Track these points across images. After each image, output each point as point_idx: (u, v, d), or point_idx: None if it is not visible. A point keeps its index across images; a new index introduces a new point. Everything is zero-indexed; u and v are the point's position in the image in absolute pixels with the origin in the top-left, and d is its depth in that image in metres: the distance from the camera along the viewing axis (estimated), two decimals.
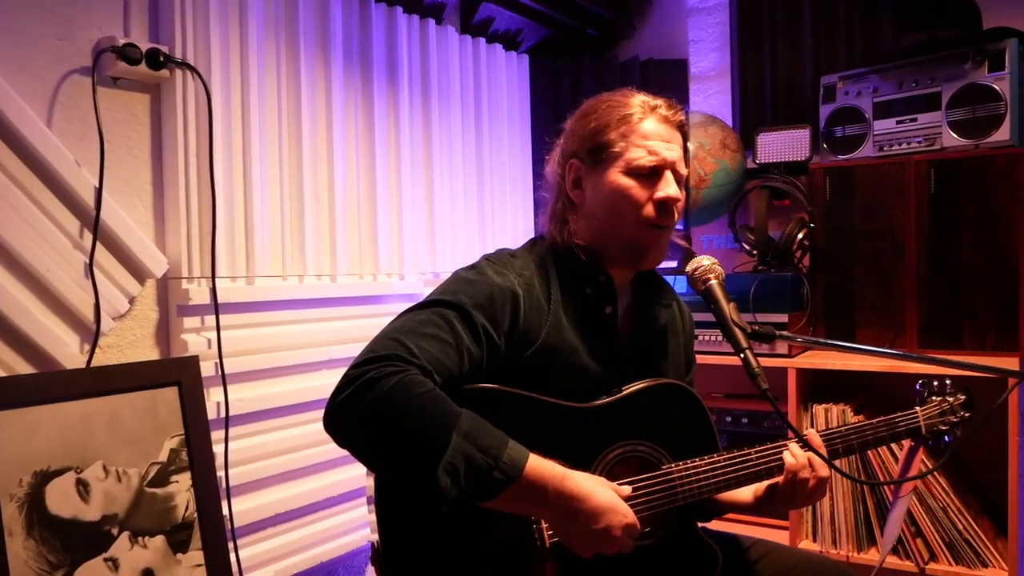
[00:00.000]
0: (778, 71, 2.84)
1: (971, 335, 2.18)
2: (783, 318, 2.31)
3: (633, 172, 1.36)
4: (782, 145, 2.61)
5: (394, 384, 1.12)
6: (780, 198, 2.62)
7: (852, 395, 2.35)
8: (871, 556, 2.18)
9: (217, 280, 1.91)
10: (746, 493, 1.49)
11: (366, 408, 1.12)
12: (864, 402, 2.33)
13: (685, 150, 1.43)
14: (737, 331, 1.32)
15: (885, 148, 2.37)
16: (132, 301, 1.81)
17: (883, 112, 2.38)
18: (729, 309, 1.35)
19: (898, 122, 2.35)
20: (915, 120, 2.32)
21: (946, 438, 1.57)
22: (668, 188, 1.37)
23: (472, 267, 1.39)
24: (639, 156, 1.36)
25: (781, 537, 2.24)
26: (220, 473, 1.86)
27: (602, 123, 1.39)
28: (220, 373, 1.89)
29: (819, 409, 2.25)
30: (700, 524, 1.47)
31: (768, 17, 2.85)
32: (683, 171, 1.41)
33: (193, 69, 1.88)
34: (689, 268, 1.42)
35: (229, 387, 1.91)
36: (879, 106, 2.39)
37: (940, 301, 2.23)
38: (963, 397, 1.59)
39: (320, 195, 2.22)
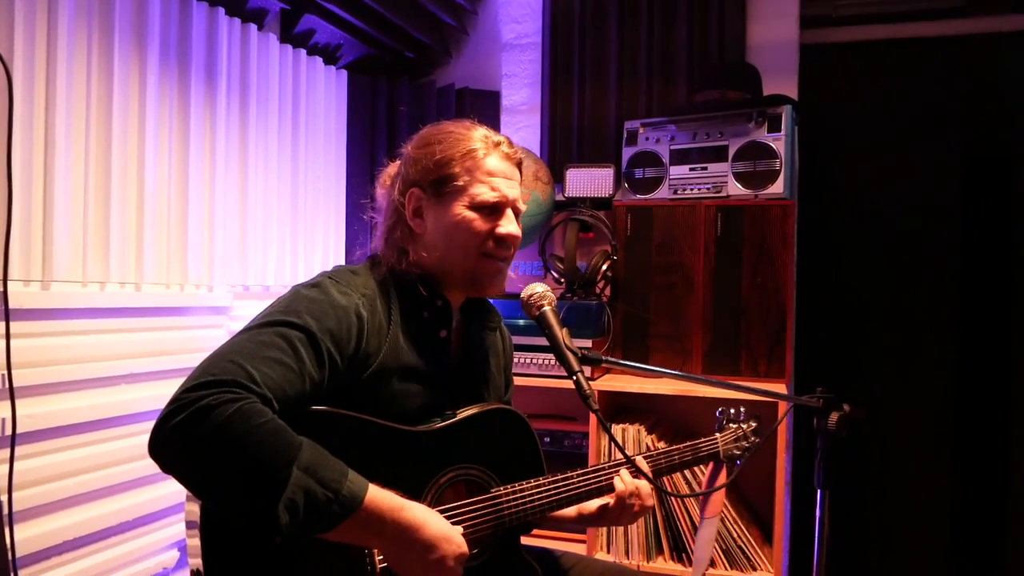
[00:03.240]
0: (585, 111, 3.04)
1: (747, 363, 2.45)
2: (587, 343, 2.47)
3: (476, 207, 1.40)
4: (588, 181, 2.80)
5: (232, 413, 1.07)
6: (586, 231, 2.81)
7: (643, 416, 2.56)
8: (659, 565, 2.38)
9: (9, 283, 1.72)
10: (570, 510, 1.58)
11: (201, 437, 1.06)
12: (654, 422, 2.55)
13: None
14: (570, 355, 1.40)
15: (679, 191, 2.61)
16: None
17: (679, 159, 2.62)
18: (562, 334, 1.43)
19: (691, 169, 2.60)
20: (706, 168, 2.58)
21: (738, 462, 1.77)
22: (509, 225, 1.43)
23: (313, 284, 1.36)
24: (482, 192, 1.40)
25: (579, 549, 2.37)
26: (3, 497, 1.68)
27: (447, 156, 1.41)
28: (8, 386, 1.71)
29: (617, 429, 2.43)
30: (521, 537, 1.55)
31: (577, 60, 3.04)
32: (521, 207, 1.48)
33: None
34: (524, 295, 1.50)
35: (17, 401, 1.72)
36: (675, 153, 2.63)
37: (722, 332, 2.49)
38: (755, 424, 1.80)
39: (128, 197, 2.08)
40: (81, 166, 1.94)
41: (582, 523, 1.61)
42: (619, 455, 1.57)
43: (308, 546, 1.19)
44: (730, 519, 2.33)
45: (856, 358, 2.94)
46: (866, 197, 2.95)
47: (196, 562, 1.20)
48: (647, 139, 2.68)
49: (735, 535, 2.32)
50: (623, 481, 1.52)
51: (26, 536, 1.76)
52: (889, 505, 2.91)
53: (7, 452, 1.70)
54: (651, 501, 1.54)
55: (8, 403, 1.72)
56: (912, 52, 2.91)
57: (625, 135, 2.72)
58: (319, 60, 2.88)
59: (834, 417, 1.44)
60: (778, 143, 2.47)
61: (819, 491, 1.47)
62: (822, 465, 1.47)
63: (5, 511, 1.67)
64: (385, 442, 1.31)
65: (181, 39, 2.24)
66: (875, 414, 2.81)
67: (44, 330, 1.84)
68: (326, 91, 2.93)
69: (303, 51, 2.79)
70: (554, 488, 1.46)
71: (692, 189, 2.59)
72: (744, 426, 1.80)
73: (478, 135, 1.44)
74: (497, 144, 1.45)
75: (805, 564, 2.69)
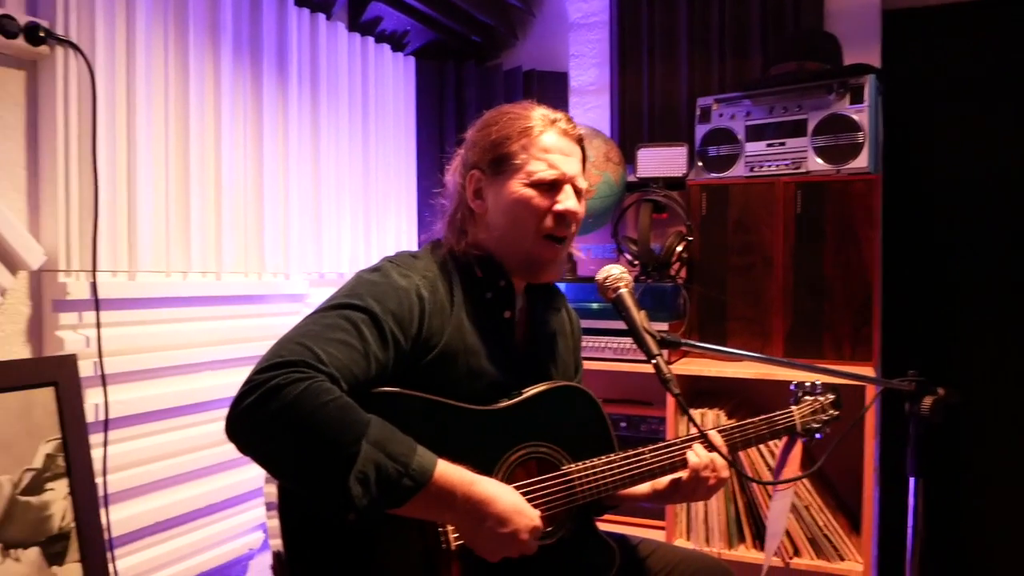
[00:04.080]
0: (655, 89, 2.97)
1: (831, 346, 2.36)
2: (664, 326, 2.42)
3: (534, 184, 1.39)
4: (660, 161, 2.74)
5: (301, 391, 1.09)
6: (659, 211, 2.75)
7: (722, 400, 2.50)
8: (740, 553, 2.33)
9: (97, 274, 1.78)
10: (644, 486, 1.55)
11: (272, 416, 1.09)
12: (734, 406, 2.49)
13: (583, 164, 1.48)
14: (648, 338, 1.37)
15: (756, 168, 2.53)
16: (3, 294, 1.66)
17: (754, 135, 2.54)
18: (640, 317, 1.40)
19: (768, 145, 2.52)
20: (783, 144, 2.49)
21: (817, 435, 1.72)
22: (568, 201, 1.41)
23: (375, 269, 1.38)
24: (539, 169, 1.39)
25: (658, 536, 2.34)
26: (98, 479, 1.74)
27: (503, 135, 1.41)
28: (100, 373, 1.77)
29: (695, 414, 2.38)
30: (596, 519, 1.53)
31: (646, 37, 2.97)
32: (582, 185, 1.45)
33: (76, 47, 1.76)
34: (599, 276, 1.47)
35: (108, 388, 1.79)
36: (751, 129, 2.55)
37: (803, 314, 2.41)
38: (832, 396, 1.74)
39: (207, 188, 2.12)
40: (162, 160, 1.99)
41: (656, 500, 1.58)
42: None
43: (383, 524, 1.20)
44: (815, 507, 2.26)
45: (949, 339, 2.80)
46: (956, 169, 2.80)
47: (276, 543, 1.22)
48: (721, 116, 2.60)
49: (821, 523, 2.25)
50: (697, 455, 1.48)
51: (120, 517, 1.83)
52: (985, 495, 2.77)
53: (101, 437, 1.77)
54: (726, 473, 1.50)
55: (101, 390, 1.78)
56: (1004, 14, 2.74)
57: (698, 112, 2.64)
58: (387, 47, 2.89)
59: (927, 402, 1.37)
60: (861, 115, 2.36)
61: (912, 480, 1.41)
62: (915, 452, 1.40)
63: (101, 493, 1.74)
64: (453, 421, 1.31)
65: (252, 31, 2.28)
66: (970, 398, 2.71)
67: (131, 319, 1.90)
68: (394, 78, 2.94)
69: (371, 39, 2.80)
70: (626, 464, 1.43)
71: (769, 166, 2.51)
72: (821, 398, 1.74)
73: (536, 114, 1.44)
74: (554, 121, 1.44)
75: (894, 555, 2.61)
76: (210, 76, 2.13)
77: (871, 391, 2.06)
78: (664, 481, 1.54)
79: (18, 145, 1.72)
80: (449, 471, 1.17)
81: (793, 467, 1.77)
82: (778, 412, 1.68)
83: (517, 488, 1.28)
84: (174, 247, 2.02)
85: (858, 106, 2.37)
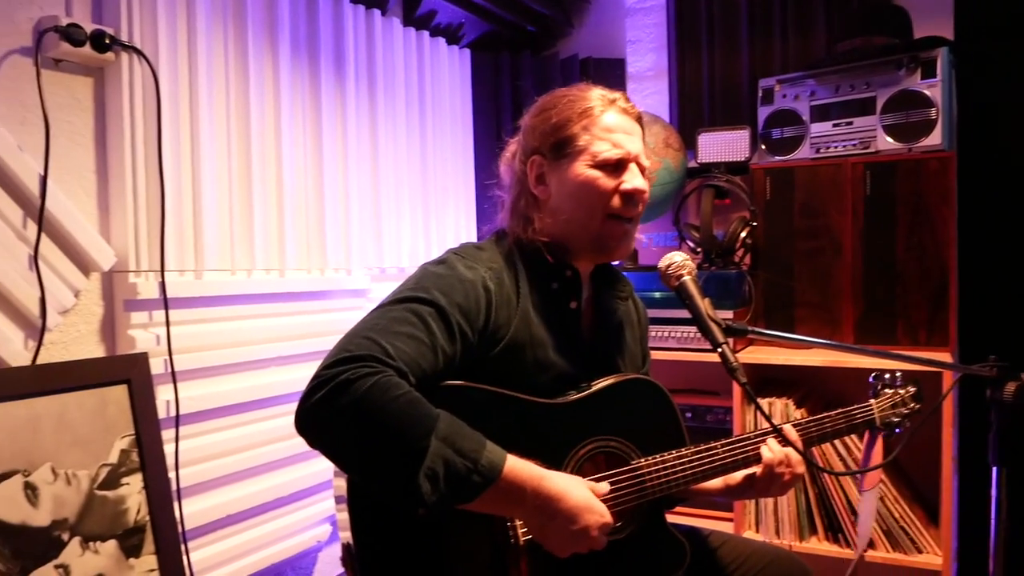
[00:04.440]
0: (715, 72, 2.91)
1: (904, 331, 2.28)
2: (728, 314, 2.37)
3: (599, 164, 1.36)
4: (722, 145, 2.68)
5: (370, 386, 1.08)
6: (721, 197, 2.69)
7: (790, 389, 2.44)
8: (813, 545, 2.27)
9: (166, 274, 1.83)
10: (716, 482, 1.52)
11: (341, 412, 1.08)
12: (803, 395, 2.42)
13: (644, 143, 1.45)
14: (713, 326, 1.34)
15: (822, 150, 2.45)
16: (77, 295, 1.72)
17: (820, 115, 2.46)
18: (705, 305, 1.36)
19: (834, 125, 2.43)
20: (851, 123, 2.41)
21: (897, 429, 1.65)
22: (634, 180, 1.38)
23: (440, 261, 1.36)
24: (604, 149, 1.36)
25: (726, 528, 2.30)
26: (170, 474, 1.79)
27: (563, 118, 1.38)
28: (170, 370, 1.82)
29: (763, 403, 2.32)
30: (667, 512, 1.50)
31: (705, 20, 2.90)
32: (645, 162, 1.42)
33: (140, 53, 1.80)
34: (662, 264, 1.44)
35: (178, 384, 1.83)
36: (816, 109, 2.47)
37: (875, 298, 2.33)
38: (913, 389, 1.67)
39: (268, 186, 2.16)
40: (225, 162, 2.02)
41: (729, 495, 1.55)
42: (765, 426, 1.49)
43: (452, 518, 1.19)
44: (891, 498, 2.18)
45: None
46: None
47: (346, 535, 1.23)
48: (784, 96, 2.53)
49: (897, 515, 2.17)
50: (771, 449, 1.44)
51: (192, 511, 1.88)
52: None
53: (172, 432, 1.81)
54: (801, 469, 1.46)
55: (171, 386, 1.83)
56: None
57: (760, 94, 2.57)
58: (442, 41, 2.89)
59: (1011, 387, 1.30)
60: (933, 90, 2.26)
61: (995, 469, 1.34)
62: (997, 441, 1.33)
63: (173, 487, 1.78)
64: (521, 415, 1.29)
65: (309, 30, 2.30)
66: None
67: (198, 317, 1.94)
68: (450, 71, 2.94)
69: (426, 33, 2.81)
70: (697, 459, 1.40)
71: (836, 146, 2.43)
72: (902, 391, 1.66)
73: (594, 94, 1.41)
74: (613, 100, 1.41)
75: (976, 548, 2.50)
76: (269, 76, 2.16)
77: (949, 377, 1.98)
78: (738, 477, 1.50)
79: (88, 150, 1.77)
80: (518, 467, 1.16)
81: (877, 463, 1.71)
82: (856, 406, 1.61)
83: (592, 480, 1.27)
84: (238, 246, 2.06)
85: (930, 81, 2.27)
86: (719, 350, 1.31)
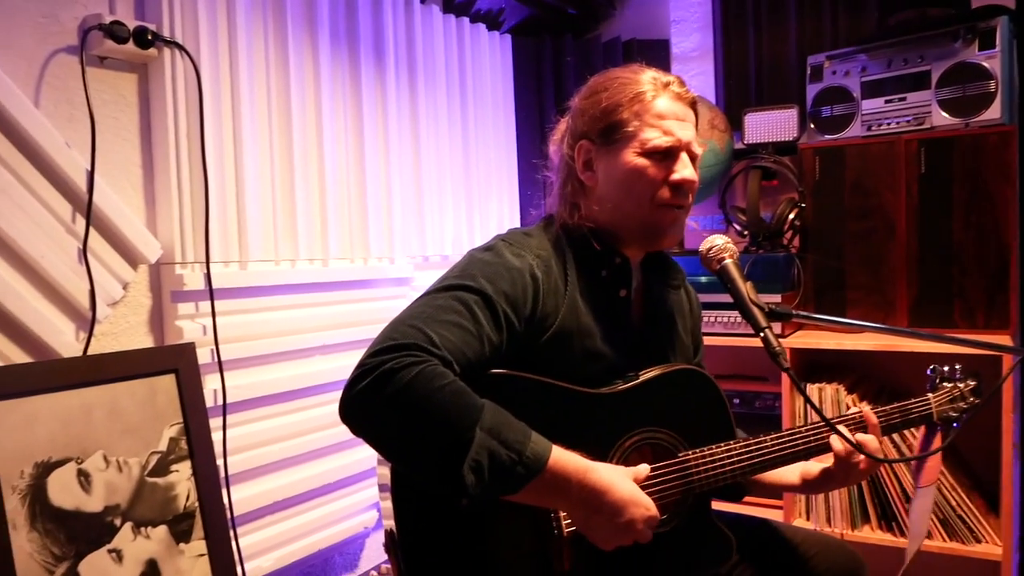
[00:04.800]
0: (762, 51, 2.84)
1: (962, 314, 2.20)
2: (776, 298, 2.32)
3: (648, 153, 1.32)
4: (769, 125, 2.61)
5: (415, 375, 1.07)
6: (769, 178, 2.63)
7: (841, 374, 2.38)
8: (865, 534, 2.21)
9: (211, 265, 1.86)
10: (792, 475, 1.48)
11: (386, 400, 1.07)
12: (855, 381, 2.36)
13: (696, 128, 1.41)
14: (755, 310, 1.30)
15: (874, 127, 2.38)
16: (125, 287, 1.76)
17: (871, 91, 2.39)
18: (746, 288, 1.33)
19: (887, 101, 2.36)
20: (904, 99, 2.33)
21: (955, 424, 1.58)
22: (684, 170, 1.33)
23: (487, 248, 1.33)
24: (654, 136, 1.32)
25: (776, 516, 2.26)
26: (218, 461, 1.82)
27: (613, 102, 1.34)
28: (217, 360, 1.85)
29: (813, 388, 2.27)
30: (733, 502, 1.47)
31: None
32: (697, 151, 1.37)
33: (182, 48, 1.82)
34: (703, 248, 1.40)
35: (225, 374, 1.86)
36: (867, 85, 2.40)
37: (930, 280, 2.25)
38: (973, 383, 1.60)
39: (310, 177, 2.18)
40: (267, 153, 2.05)
41: (807, 489, 1.50)
42: (816, 415, 1.45)
43: (495, 508, 1.19)
44: (947, 486, 2.11)
45: None
46: None
47: (389, 523, 1.24)
48: (834, 73, 2.45)
49: (954, 504, 2.10)
50: (841, 440, 1.39)
51: (240, 497, 1.92)
52: None
53: (219, 420, 1.85)
54: (877, 454, 1.41)
55: (218, 375, 1.86)
56: None
57: (808, 71, 2.50)
58: (482, 27, 2.88)
59: None
60: (992, 61, 2.17)
61: None
62: None
63: (222, 474, 1.82)
64: (567, 405, 1.28)
65: (349, 21, 2.30)
66: None
67: (243, 307, 1.97)
68: (491, 57, 2.92)
69: (466, 19, 2.79)
70: (746, 452, 1.36)
71: (889, 123, 2.35)
72: (961, 385, 1.60)
73: (646, 78, 1.35)
74: (667, 85, 1.35)
75: None
76: (310, 68, 2.17)
77: (1008, 361, 1.90)
78: (815, 471, 1.46)
79: (133, 145, 1.80)
80: (563, 458, 1.14)
81: (935, 461, 1.65)
82: (912, 400, 1.55)
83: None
84: (282, 236, 2.08)
85: (989, 52, 2.18)
86: (761, 335, 1.28)
